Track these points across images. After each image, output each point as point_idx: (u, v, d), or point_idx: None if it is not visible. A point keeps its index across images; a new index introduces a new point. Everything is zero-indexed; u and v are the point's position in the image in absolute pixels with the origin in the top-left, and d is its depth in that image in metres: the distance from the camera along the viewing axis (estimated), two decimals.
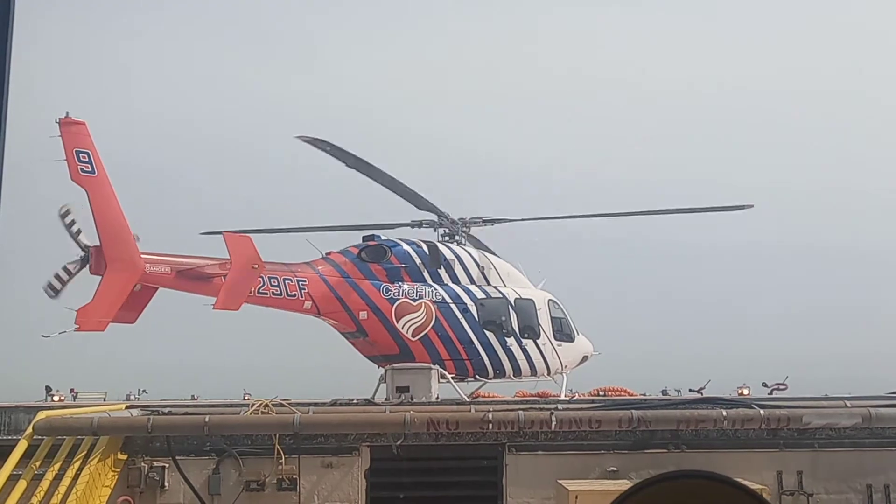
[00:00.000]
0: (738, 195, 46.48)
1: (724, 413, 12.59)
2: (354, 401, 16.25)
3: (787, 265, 44.48)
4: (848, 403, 13.34)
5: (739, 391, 19.18)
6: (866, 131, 50.07)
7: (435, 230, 20.30)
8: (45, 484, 11.12)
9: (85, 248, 15.92)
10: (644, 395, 21.04)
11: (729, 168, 48.94)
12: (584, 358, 21.06)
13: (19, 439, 11.46)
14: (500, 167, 48.06)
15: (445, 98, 53.00)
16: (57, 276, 15.80)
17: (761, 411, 12.67)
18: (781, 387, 21.43)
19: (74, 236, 15.89)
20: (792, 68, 50.92)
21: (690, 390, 22.50)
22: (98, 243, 15.90)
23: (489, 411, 12.67)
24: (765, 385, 21.54)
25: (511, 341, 19.33)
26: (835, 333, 37.97)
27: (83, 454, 11.77)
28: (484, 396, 19.89)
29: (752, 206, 21.00)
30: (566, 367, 20.24)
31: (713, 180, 47.26)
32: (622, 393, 20.95)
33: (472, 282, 19.55)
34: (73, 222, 15.88)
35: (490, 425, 12.47)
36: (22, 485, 10.92)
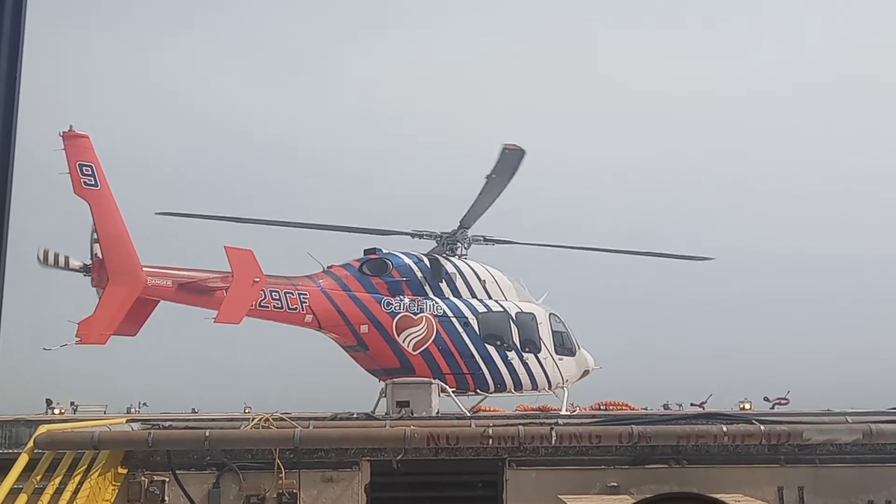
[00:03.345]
0: (749, 199, 46.82)
1: (725, 429, 12.57)
2: (355, 415, 16.26)
3: (796, 272, 44.44)
4: (849, 419, 13.34)
5: (741, 405, 19.17)
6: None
7: (437, 243, 20.33)
8: (45, 498, 11.14)
9: (82, 267, 16.15)
10: (646, 408, 21.02)
11: (738, 171, 49.19)
12: (586, 372, 21.06)
13: (20, 453, 11.48)
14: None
15: (452, 104, 53.25)
16: (56, 256, 16.00)
17: (762, 427, 12.65)
18: (783, 401, 21.42)
19: (67, 266, 16.10)
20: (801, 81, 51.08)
21: (692, 404, 22.50)
22: (100, 256, 16.03)
23: (489, 426, 12.67)
24: (766, 399, 21.55)
25: (512, 355, 19.33)
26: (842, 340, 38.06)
27: (84, 468, 11.79)
28: (485, 410, 19.88)
29: (713, 258, 22.40)
30: (567, 381, 20.24)
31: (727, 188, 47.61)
32: (623, 407, 20.93)
33: (474, 295, 19.58)
34: (56, 258, 16.08)
35: (490, 440, 12.46)
36: (23, 499, 10.94)
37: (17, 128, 2.99)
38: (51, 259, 15.99)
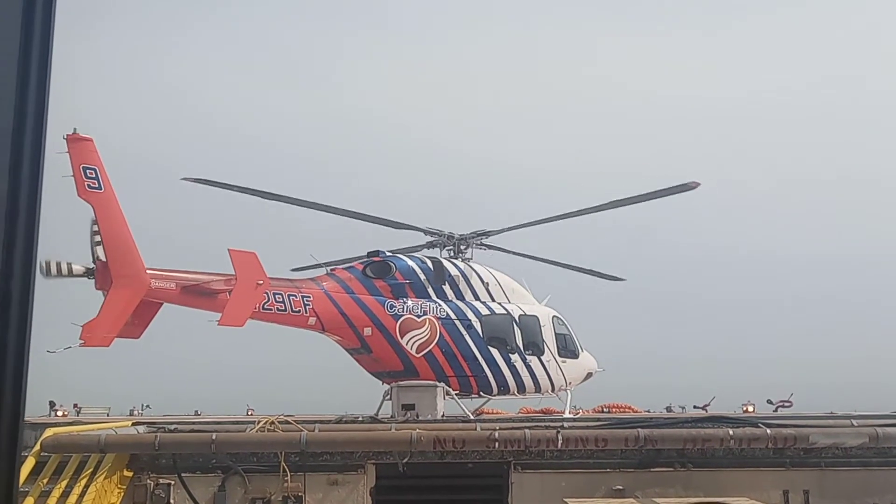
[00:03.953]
0: (753, 199, 46.91)
1: (731, 432, 12.58)
2: (360, 418, 16.24)
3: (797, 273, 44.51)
4: (854, 423, 13.34)
5: (745, 408, 19.18)
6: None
7: (441, 249, 20.33)
8: (51, 501, 11.13)
9: (86, 271, 16.09)
10: (649, 411, 21.03)
11: (744, 175, 49.44)
12: (589, 375, 21.03)
13: (27, 456, 11.45)
14: (511, 178, 48.40)
15: (460, 109, 53.49)
16: (59, 267, 15.90)
17: (768, 430, 12.66)
18: (787, 404, 21.43)
19: (70, 273, 16.02)
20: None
21: (695, 406, 22.51)
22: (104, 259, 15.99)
23: (495, 430, 12.67)
24: (770, 402, 21.56)
25: (515, 358, 19.30)
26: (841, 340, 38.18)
27: (90, 471, 11.78)
28: (488, 413, 19.87)
29: (624, 279, 23.48)
30: (570, 383, 20.21)
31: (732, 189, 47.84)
32: (627, 409, 20.96)
33: (477, 298, 19.56)
34: (59, 267, 15.97)
35: (496, 443, 12.46)
36: (29, 501, 10.92)
37: (46, 140, 2.99)
38: (53, 269, 15.88)
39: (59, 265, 16.02)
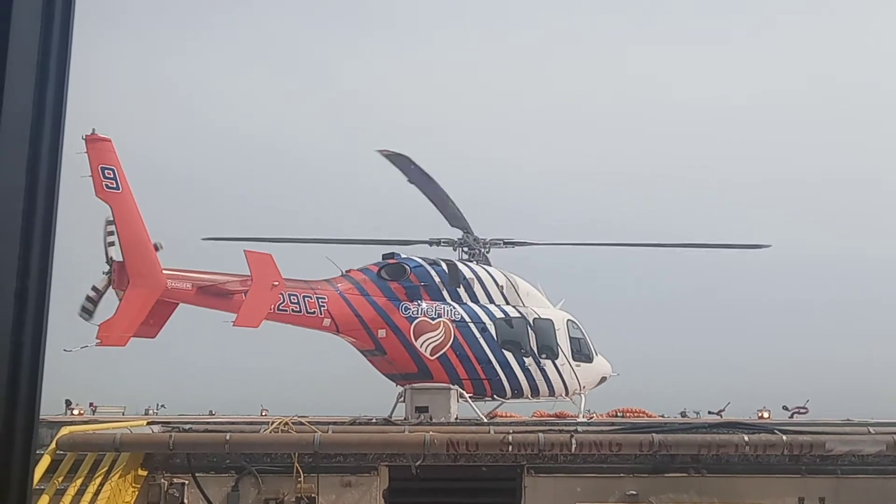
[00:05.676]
0: (771, 201, 46.69)
1: (746, 438, 12.50)
2: (373, 420, 16.24)
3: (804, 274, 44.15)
4: (872, 430, 13.22)
5: (760, 414, 19.03)
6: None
7: (455, 249, 20.31)
8: (66, 499, 11.21)
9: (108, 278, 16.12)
10: (663, 416, 20.90)
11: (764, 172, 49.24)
12: (603, 379, 20.94)
13: (42, 454, 11.53)
14: (522, 184, 48.38)
15: (467, 113, 53.54)
16: (88, 298, 15.93)
17: (784, 437, 12.57)
18: (802, 410, 21.25)
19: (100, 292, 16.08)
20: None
21: (710, 412, 22.36)
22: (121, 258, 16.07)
23: (509, 433, 12.65)
24: (785, 408, 21.37)
25: (529, 361, 19.25)
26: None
27: (105, 469, 11.85)
28: (501, 416, 19.82)
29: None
30: (584, 387, 20.12)
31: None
32: (640, 414, 20.82)
33: (491, 301, 19.52)
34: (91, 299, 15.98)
35: (510, 447, 12.43)
36: (45, 500, 11.01)
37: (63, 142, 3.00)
38: (89, 306, 15.91)
39: (89, 298, 16.01)
